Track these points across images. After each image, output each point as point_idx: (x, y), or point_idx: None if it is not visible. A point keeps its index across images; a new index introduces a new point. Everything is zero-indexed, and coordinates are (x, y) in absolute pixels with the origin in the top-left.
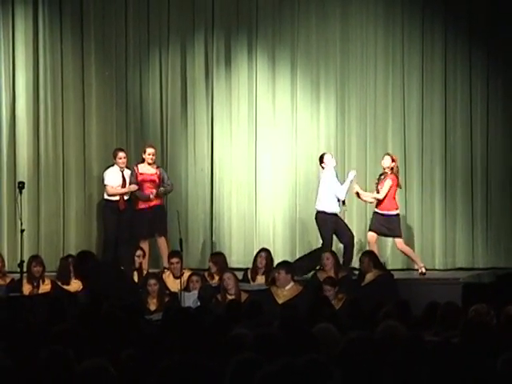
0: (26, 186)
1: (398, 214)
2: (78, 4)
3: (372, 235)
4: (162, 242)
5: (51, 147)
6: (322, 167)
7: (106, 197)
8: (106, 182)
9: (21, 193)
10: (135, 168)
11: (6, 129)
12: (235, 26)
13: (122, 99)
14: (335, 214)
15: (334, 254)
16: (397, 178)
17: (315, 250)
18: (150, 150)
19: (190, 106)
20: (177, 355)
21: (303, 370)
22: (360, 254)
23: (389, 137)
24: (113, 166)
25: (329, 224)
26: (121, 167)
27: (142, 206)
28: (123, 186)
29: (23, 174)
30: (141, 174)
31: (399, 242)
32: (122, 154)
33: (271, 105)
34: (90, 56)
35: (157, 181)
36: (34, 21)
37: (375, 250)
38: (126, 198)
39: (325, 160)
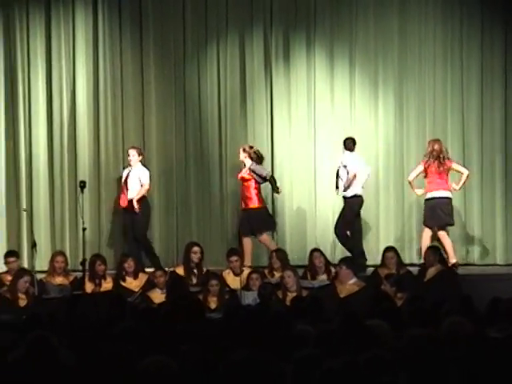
0: (87, 185)
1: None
2: (137, 2)
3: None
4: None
5: (111, 146)
6: (350, 150)
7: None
8: (143, 182)
9: (82, 192)
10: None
11: (67, 129)
12: (293, 21)
13: (181, 95)
14: (360, 196)
15: (396, 251)
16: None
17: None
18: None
19: (250, 101)
20: (241, 351)
21: (366, 366)
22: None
23: (448, 134)
24: (131, 165)
25: (356, 207)
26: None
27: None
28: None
29: (84, 173)
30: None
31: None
32: (130, 151)
33: (329, 102)
34: (148, 54)
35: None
36: (94, 20)
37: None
38: (130, 197)
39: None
